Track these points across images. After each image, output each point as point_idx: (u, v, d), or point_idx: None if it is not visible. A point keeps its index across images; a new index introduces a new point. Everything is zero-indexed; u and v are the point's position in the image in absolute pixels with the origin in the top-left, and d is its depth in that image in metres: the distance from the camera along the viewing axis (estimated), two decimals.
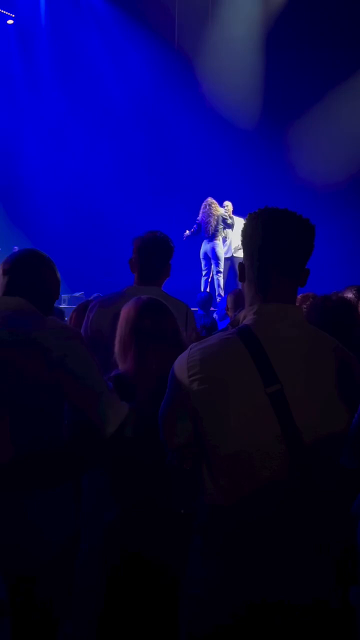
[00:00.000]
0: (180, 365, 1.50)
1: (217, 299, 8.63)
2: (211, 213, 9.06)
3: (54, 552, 1.76)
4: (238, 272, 1.57)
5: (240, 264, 1.56)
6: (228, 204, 9.24)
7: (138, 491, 1.88)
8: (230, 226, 9.17)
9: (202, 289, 9.21)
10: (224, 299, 6.72)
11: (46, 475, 1.77)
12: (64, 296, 11.91)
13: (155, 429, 1.60)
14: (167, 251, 2.69)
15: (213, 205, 9.12)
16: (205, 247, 9.28)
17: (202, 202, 9.45)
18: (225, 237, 9.35)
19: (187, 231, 9.33)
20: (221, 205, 9.24)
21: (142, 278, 2.67)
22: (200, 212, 9.20)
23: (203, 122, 11.65)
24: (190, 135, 11.88)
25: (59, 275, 1.99)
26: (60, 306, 8.75)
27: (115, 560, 1.88)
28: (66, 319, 7.47)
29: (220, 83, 11.15)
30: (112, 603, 1.88)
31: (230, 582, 1.42)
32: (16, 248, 13.50)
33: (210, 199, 9.20)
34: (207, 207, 9.12)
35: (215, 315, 6.77)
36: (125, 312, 2.02)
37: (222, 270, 9.22)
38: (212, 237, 9.14)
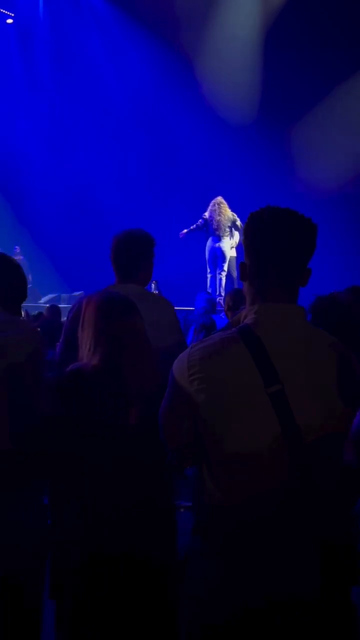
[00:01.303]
0: (181, 365, 1.49)
1: (217, 299, 8.66)
2: (222, 212, 9.05)
3: (26, 549, 1.78)
4: (239, 271, 1.56)
5: (242, 263, 1.56)
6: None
7: (138, 491, 1.88)
8: (238, 229, 9.15)
9: (207, 288, 9.22)
10: (201, 298, 6.71)
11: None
12: (64, 295, 11.90)
13: (155, 429, 1.59)
14: (143, 248, 2.64)
15: (223, 206, 9.10)
16: (213, 246, 9.26)
17: (203, 201, 9.44)
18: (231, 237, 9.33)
19: (185, 230, 9.32)
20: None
21: (120, 276, 2.64)
22: (209, 210, 9.17)
23: (203, 121, 11.65)
24: (191, 134, 11.87)
25: (24, 278, 2.06)
26: (60, 305, 8.75)
27: (114, 560, 1.88)
28: (64, 318, 7.49)
29: (220, 82, 11.15)
30: (109, 603, 1.88)
31: (231, 582, 1.42)
32: (17, 248, 13.54)
33: (220, 198, 9.17)
34: (217, 206, 9.10)
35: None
36: (90, 309, 1.98)
37: (226, 269, 9.22)
38: (221, 237, 9.14)
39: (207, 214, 9.18)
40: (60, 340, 2.48)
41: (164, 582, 1.86)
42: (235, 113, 11.01)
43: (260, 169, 11.21)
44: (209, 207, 9.19)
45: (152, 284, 8.50)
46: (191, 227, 9.31)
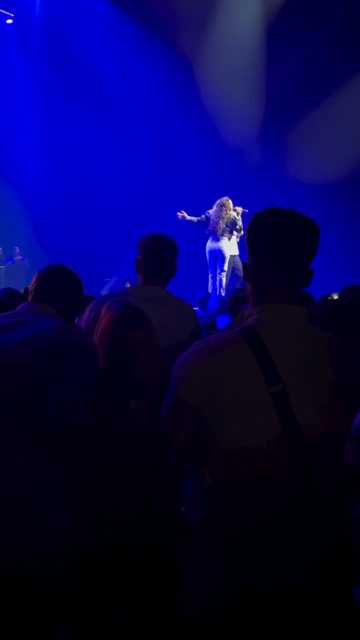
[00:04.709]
0: (183, 364, 1.50)
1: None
2: (222, 215, 9.05)
3: (47, 549, 1.76)
4: (242, 271, 1.58)
5: (245, 264, 1.57)
6: (239, 210, 9.15)
7: (138, 490, 1.88)
8: (239, 231, 9.15)
9: (209, 288, 9.22)
10: (213, 298, 6.73)
11: None
12: None
13: (156, 429, 1.60)
14: (173, 251, 2.69)
15: (225, 208, 9.08)
16: (212, 246, 9.27)
17: (203, 201, 9.44)
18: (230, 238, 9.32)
19: (186, 214, 9.32)
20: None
21: (147, 278, 2.67)
22: (214, 208, 9.18)
23: (203, 121, 11.64)
24: (191, 134, 11.87)
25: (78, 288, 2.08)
26: None
27: (114, 560, 1.88)
28: None
29: (221, 82, 11.14)
30: (110, 603, 1.88)
31: (231, 581, 1.42)
32: (17, 249, 13.52)
33: (225, 200, 9.13)
34: (219, 207, 9.10)
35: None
36: (106, 319, 2.01)
37: (225, 269, 9.22)
38: (219, 238, 9.14)
39: (210, 212, 9.20)
40: None
41: (166, 582, 1.86)
42: (237, 113, 10.99)
43: (262, 169, 11.21)
44: (214, 206, 9.20)
45: (127, 284, 8.59)
46: (192, 218, 9.33)
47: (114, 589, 1.88)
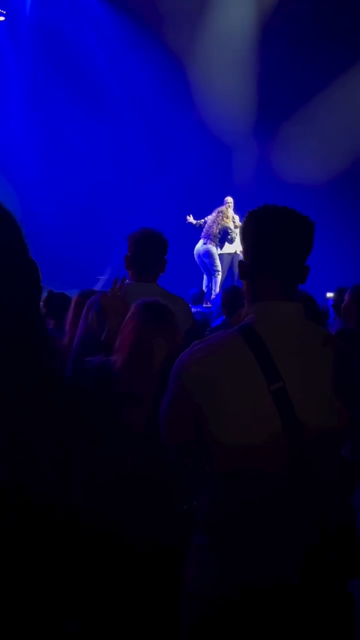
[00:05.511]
0: (182, 363, 1.50)
1: (212, 297, 8.70)
2: (217, 221, 9.08)
3: None
4: (238, 270, 1.57)
5: (240, 262, 1.57)
6: (237, 222, 9.08)
7: (139, 489, 1.88)
8: (230, 241, 9.16)
9: (203, 286, 9.24)
10: (219, 296, 6.74)
11: None
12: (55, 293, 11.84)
13: (156, 427, 1.60)
14: (163, 246, 2.71)
15: (222, 215, 9.10)
16: (197, 248, 9.29)
17: (198, 201, 9.48)
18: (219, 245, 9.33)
19: (193, 218, 9.34)
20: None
21: (139, 274, 2.67)
22: (212, 214, 9.21)
23: (197, 117, 11.61)
24: (185, 131, 11.84)
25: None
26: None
27: (117, 559, 1.88)
28: None
29: (214, 79, 11.12)
30: (111, 600, 1.88)
31: (231, 578, 1.42)
32: None
33: (225, 208, 9.16)
34: (217, 213, 9.13)
35: (211, 311, 6.81)
36: (135, 315, 2.03)
37: (219, 269, 9.23)
38: (207, 241, 9.16)
39: (209, 217, 9.25)
40: (81, 334, 2.54)
41: (168, 580, 1.86)
42: (231, 110, 10.95)
43: (256, 166, 11.19)
44: (214, 211, 9.24)
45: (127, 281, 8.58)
46: (195, 221, 9.35)
47: (115, 586, 1.88)
